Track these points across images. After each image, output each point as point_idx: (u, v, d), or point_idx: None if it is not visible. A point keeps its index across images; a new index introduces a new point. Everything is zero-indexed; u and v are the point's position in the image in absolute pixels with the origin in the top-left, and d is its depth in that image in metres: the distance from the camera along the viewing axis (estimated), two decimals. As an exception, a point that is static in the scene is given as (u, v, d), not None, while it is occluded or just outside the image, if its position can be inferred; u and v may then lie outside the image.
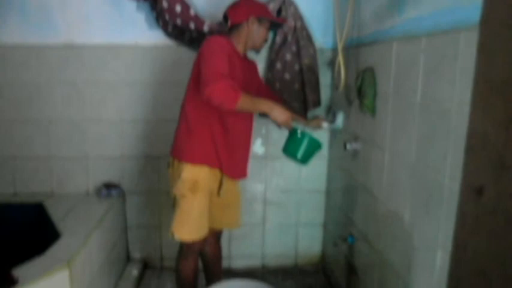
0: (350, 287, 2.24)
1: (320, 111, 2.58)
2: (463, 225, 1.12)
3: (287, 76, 2.46)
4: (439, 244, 1.31)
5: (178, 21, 2.32)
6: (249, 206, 2.73)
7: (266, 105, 1.83)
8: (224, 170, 1.96)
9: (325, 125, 2.29)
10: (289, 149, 1.98)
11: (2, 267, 1.64)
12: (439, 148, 1.31)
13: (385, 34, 1.74)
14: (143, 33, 2.47)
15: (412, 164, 1.50)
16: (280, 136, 2.65)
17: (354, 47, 2.11)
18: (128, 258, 2.77)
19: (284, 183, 2.75)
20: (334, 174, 2.61)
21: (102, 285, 2.22)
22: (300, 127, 1.98)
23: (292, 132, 1.96)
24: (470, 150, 1.07)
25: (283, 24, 2.27)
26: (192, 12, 2.32)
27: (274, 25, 2.09)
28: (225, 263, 2.57)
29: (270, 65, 2.47)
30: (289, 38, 2.41)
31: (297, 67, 2.45)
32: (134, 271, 2.64)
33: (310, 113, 2.51)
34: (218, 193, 2.01)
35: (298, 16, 2.40)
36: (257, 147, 2.68)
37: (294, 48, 2.43)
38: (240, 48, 1.98)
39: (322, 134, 2.66)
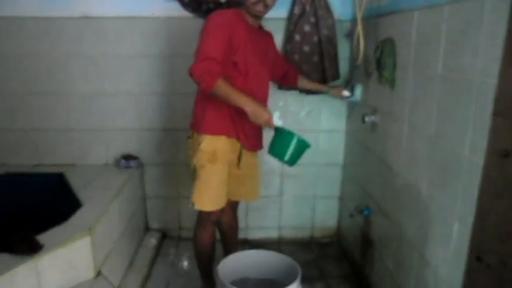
0: (366, 258, 2.26)
1: (338, 83, 2.54)
2: (487, 190, 1.11)
3: (306, 48, 2.42)
4: (456, 216, 1.31)
5: (195, -8, 2.29)
6: (267, 178, 2.74)
7: (242, 101, 1.74)
8: (242, 141, 1.98)
9: (346, 93, 2.29)
10: (276, 150, 1.87)
11: (26, 234, 1.70)
12: (459, 120, 1.28)
13: (405, 3, 1.69)
14: (160, 5, 2.45)
15: (431, 136, 1.48)
16: (298, 108, 2.64)
17: (373, 18, 2.06)
18: (147, 228, 2.84)
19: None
20: (352, 147, 2.59)
21: (122, 252, 2.29)
22: (284, 128, 1.87)
23: (278, 133, 1.86)
24: (498, 113, 1.05)
25: None
26: (209, -18, 2.29)
27: None
28: (242, 234, 2.61)
29: (289, 36, 2.43)
30: (308, 8, 2.36)
31: (315, 38, 2.41)
32: (153, 240, 2.71)
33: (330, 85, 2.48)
34: (238, 165, 2.03)
35: (316, -14, 2.34)
36: (275, 120, 2.67)
37: (312, 19, 2.38)
38: (249, 19, 1.92)
39: (340, 107, 2.64)
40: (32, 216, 2.40)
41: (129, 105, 2.62)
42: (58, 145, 2.68)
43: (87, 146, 2.69)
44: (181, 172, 2.69)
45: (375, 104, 2.09)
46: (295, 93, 2.54)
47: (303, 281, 1.75)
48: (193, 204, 1.94)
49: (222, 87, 1.71)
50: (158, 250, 2.71)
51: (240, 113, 1.89)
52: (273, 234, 2.90)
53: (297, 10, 2.38)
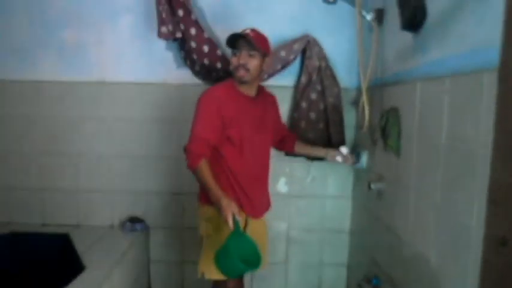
0: (375, 332, 2.16)
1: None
2: (487, 278, 1.09)
3: (312, 115, 2.48)
4: (467, 289, 1.27)
5: (206, 61, 2.40)
6: (272, 245, 2.69)
7: (214, 194, 1.75)
8: (246, 210, 1.98)
9: (338, 158, 2.27)
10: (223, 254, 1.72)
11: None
12: (465, 190, 1.28)
13: (408, 74, 1.75)
14: (171, 72, 2.57)
15: (438, 205, 1.47)
16: (304, 174, 2.66)
17: (378, 87, 2.13)
18: (149, 294, 2.77)
19: (307, 222, 2.72)
20: (359, 214, 2.57)
21: (123, 320, 2.21)
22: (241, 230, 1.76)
23: (232, 235, 1.71)
24: (493, 201, 1.06)
25: (238, 41, 1.90)
26: (219, 52, 2.41)
27: (233, 45, 1.91)
28: (246, 303, 2.53)
29: (296, 104, 2.50)
30: (314, 77, 2.45)
31: (321, 106, 2.48)
32: (155, 307, 2.63)
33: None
34: (244, 230, 2.01)
35: (322, 56, 2.45)
36: (281, 185, 2.68)
37: (318, 87, 2.47)
38: (241, 87, 1.97)
39: (346, 174, 2.65)
40: (35, 276, 2.37)
41: (137, 167, 2.65)
42: (65, 205, 2.69)
43: (93, 207, 2.70)
44: (186, 236, 2.67)
45: (380, 171, 2.10)
46: (301, 159, 2.57)
47: None
48: (203, 274, 1.92)
49: (201, 172, 1.79)
50: (159, 318, 2.61)
51: (241, 182, 1.92)
52: (278, 303, 2.80)
53: (303, 79, 2.47)
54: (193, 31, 2.36)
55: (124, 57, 2.57)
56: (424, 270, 1.56)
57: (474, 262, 1.23)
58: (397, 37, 1.85)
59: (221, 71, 2.42)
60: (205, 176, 1.79)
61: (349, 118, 2.55)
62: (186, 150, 1.84)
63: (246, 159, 1.95)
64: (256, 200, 2.04)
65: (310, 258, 2.76)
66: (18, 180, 2.68)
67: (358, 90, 2.45)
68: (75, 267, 2.08)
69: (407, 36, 1.72)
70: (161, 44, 2.53)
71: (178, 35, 2.40)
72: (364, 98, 2.09)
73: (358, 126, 2.46)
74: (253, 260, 1.72)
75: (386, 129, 1.95)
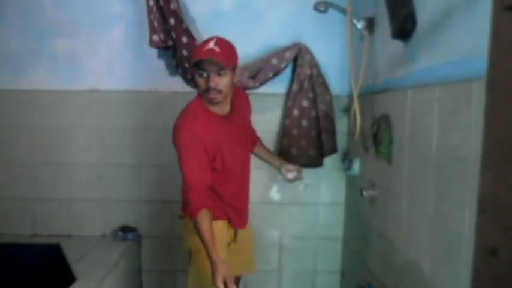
0: None
1: (336, 157, 2.59)
2: (479, 287, 1.09)
3: (304, 123, 2.49)
4: (460, 297, 1.27)
5: (198, 69, 2.40)
6: (265, 253, 2.69)
7: (209, 251, 1.75)
8: (234, 224, 1.99)
9: (290, 176, 2.17)
10: None
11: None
12: (456, 197, 1.29)
13: (399, 82, 1.77)
14: (163, 80, 2.57)
15: (430, 212, 1.48)
16: (297, 183, 2.65)
17: (369, 94, 2.14)
18: (142, 304, 2.74)
19: (300, 230, 2.72)
20: (351, 221, 2.57)
21: (114, 331, 2.19)
22: None
23: None
24: (482, 211, 1.06)
25: (204, 64, 1.72)
26: (211, 60, 2.41)
27: (200, 67, 1.73)
28: (239, 311, 2.51)
29: (288, 111, 2.51)
30: (306, 85, 2.46)
31: (313, 114, 2.48)
32: (147, 317, 2.60)
33: (326, 160, 2.53)
34: (235, 240, 2.01)
35: (314, 64, 2.46)
36: (273, 193, 2.68)
37: (310, 95, 2.48)
38: (215, 107, 1.85)
39: (339, 181, 2.66)
40: (27, 287, 2.34)
41: (129, 176, 2.64)
42: (56, 215, 2.67)
43: (85, 217, 2.68)
44: (177, 245, 2.64)
45: (373, 178, 2.10)
46: (294, 166, 2.57)
47: None
48: None
49: (201, 226, 1.74)
50: (152, 328, 2.59)
51: (229, 201, 1.92)
52: (272, 311, 2.79)
53: (295, 86, 2.48)
54: (185, 39, 2.36)
55: (116, 66, 2.57)
56: (417, 278, 1.56)
57: (466, 270, 1.23)
58: (388, 45, 1.87)
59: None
60: (204, 230, 1.75)
61: (341, 125, 2.56)
62: (185, 198, 1.81)
63: (231, 180, 1.94)
64: (243, 210, 2.05)
65: (303, 266, 2.75)
66: (9, 190, 2.66)
67: (350, 97, 2.46)
68: (66, 277, 2.06)
69: (398, 44, 1.73)
70: (153, 52, 2.53)
71: (170, 43, 2.41)
72: (356, 105, 2.10)
73: (350, 134, 2.47)
74: None
75: (377, 136, 1.96)
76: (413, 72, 1.62)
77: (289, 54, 2.44)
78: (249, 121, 2.14)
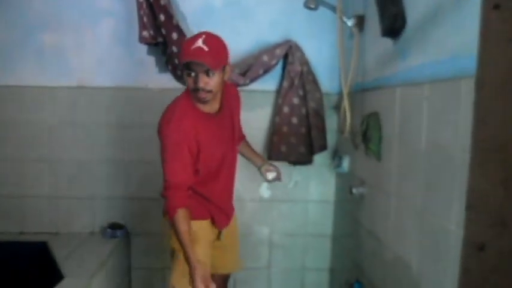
0: (357, 336, 2.17)
1: (326, 155, 2.60)
2: (466, 283, 1.10)
3: (294, 120, 2.49)
4: (447, 293, 1.28)
5: (188, 66, 2.39)
6: (254, 250, 2.69)
7: (187, 253, 1.73)
8: (217, 224, 1.96)
9: (269, 176, 2.13)
10: None
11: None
12: (444, 194, 1.30)
13: (388, 80, 1.78)
14: (153, 76, 2.55)
15: (418, 209, 1.49)
16: (286, 179, 2.66)
17: (359, 92, 2.15)
18: (130, 301, 2.72)
19: (290, 227, 2.73)
20: (341, 218, 2.58)
21: (103, 329, 2.17)
22: None
23: None
24: (471, 207, 1.07)
25: (192, 64, 1.65)
26: (201, 57, 2.39)
27: (188, 67, 1.67)
28: (229, 308, 2.51)
29: (278, 109, 2.51)
30: (296, 82, 2.47)
31: (303, 111, 2.49)
32: (136, 315, 2.59)
33: (316, 157, 2.54)
34: (219, 237, 2.01)
35: (304, 61, 2.46)
36: (263, 190, 2.68)
37: (300, 92, 2.48)
38: (203, 106, 1.79)
39: (328, 178, 2.67)
40: (14, 285, 2.31)
41: (117, 173, 2.62)
42: (44, 212, 2.64)
43: (73, 214, 2.65)
44: (166, 240, 2.63)
45: (362, 176, 2.11)
46: (284, 164, 2.57)
47: None
48: (173, 287, 1.88)
49: (178, 226, 1.71)
50: (141, 325, 2.58)
51: (214, 200, 1.90)
52: (261, 308, 2.80)
53: (286, 84, 2.48)
54: (174, 36, 2.35)
55: (104, 62, 2.54)
56: (405, 275, 1.58)
57: (453, 266, 1.24)
58: (378, 43, 1.88)
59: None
60: (182, 231, 1.71)
61: (331, 123, 2.57)
62: (163, 196, 1.77)
63: (216, 179, 1.90)
64: (227, 209, 2.02)
65: (292, 263, 2.76)
66: (-5, 186, 2.61)
67: (340, 95, 2.47)
68: (54, 276, 2.03)
69: (388, 42, 1.74)
70: (142, 48, 2.51)
71: (160, 39, 2.39)
72: (346, 103, 2.11)
73: (340, 131, 2.48)
74: None
75: (367, 133, 1.97)
76: (402, 70, 1.63)
77: (279, 51, 2.44)
78: (238, 119, 2.07)
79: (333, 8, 2.05)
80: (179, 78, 2.48)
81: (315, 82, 2.50)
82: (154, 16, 2.36)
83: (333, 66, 2.54)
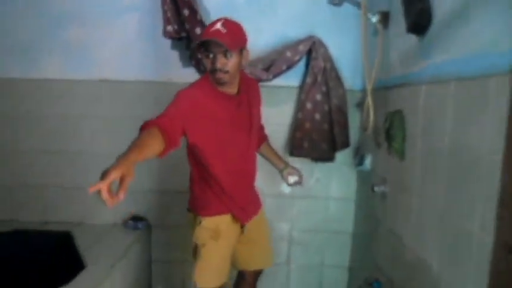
0: (376, 336, 2.15)
1: (348, 152, 2.57)
2: (495, 285, 1.07)
3: (317, 116, 2.47)
4: (469, 296, 1.25)
5: (211, 61, 2.39)
6: (274, 246, 2.67)
7: (123, 154, 1.48)
8: (238, 217, 1.94)
9: (291, 180, 2.13)
10: None
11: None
12: (468, 196, 1.27)
13: (413, 77, 1.74)
14: (177, 71, 2.56)
15: (441, 210, 1.46)
16: (308, 175, 2.64)
17: (382, 89, 2.12)
18: (151, 292, 2.77)
19: (310, 224, 2.71)
20: (362, 216, 2.56)
21: (123, 318, 2.22)
22: None
23: None
24: (503, 206, 1.03)
25: (211, 43, 1.66)
26: (224, 52, 2.40)
27: (206, 48, 1.68)
28: (247, 303, 2.52)
29: (301, 105, 2.49)
30: (319, 78, 2.44)
31: (326, 107, 2.47)
32: (156, 306, 2.63)
33: (338, 154, 2.51)
34: (242, 231, 2.00)
35: (328, 57, 2.44)
36: (284, 186, 2.67)
37: (323, 88, 2.46)
38: (222, 87, 1.79)
39: (350, 176, 2.64)
40: (36, 274, 2.37)
41: (140, 166, 2.61)
42: (67, 203, 2.70)
43: (96, 205, 2.70)
44: (187, 236, 2.66)
45: (384, 174, 2.08)
46: (305, 160, 2.56)
47: None
48: (195, 283, 1.90)
49: (139, 135, 1.56)
50: (160, 316, 2.62)
51: (226, 189, 1.87)
52: (279, 304, 2.80)
53: (309, 80, 2.46)
54: (198, 31, 2.35)
55: (129, 56, 2.57)
56: (426, 276, 1.55)
57: (476, 269, 1.22)
58: (402, 40, 1.84)
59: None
60: (141, 137, 1.54)
61: (355, 119, 2.54)
62: (150, 120, 1.60)
63: (231, 166, 1.87)
64: (247, 205, 1.99)
65: (312, 260, 2.75)
66: (21, 177, 2.69)
67: (363, 92, 2.43)
68: (76, 265, 2.08)
69: (413, 39, 1.70)
70: (166, 43, 2.53)
71: (183, 34, 2.41)
72: (369, 100, 2.08)
73: (362, 129, 2.44)
74: None
75: (390, 131, 1.93)
76: (427, 68, 1.60)
77: (303, 47, 2.42)
78: (258, 112, 2.04)
79: (357, 4, 2.02)
80: (203, 72, 2.49)
81: (338, 78, 2.47)
82: (178, 11, 2.37)
83: (357, 63, 2.50)
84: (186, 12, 2.34)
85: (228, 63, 1.68)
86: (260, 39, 2.49)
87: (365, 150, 2.42)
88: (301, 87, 2.54)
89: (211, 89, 1.77)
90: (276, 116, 2.56)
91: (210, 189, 1.88)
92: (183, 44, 2.51)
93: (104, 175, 1.29)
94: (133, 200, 2.68)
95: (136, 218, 2.64)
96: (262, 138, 2.20)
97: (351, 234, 2.72)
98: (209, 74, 1.74)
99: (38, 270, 2.41)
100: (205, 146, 1.77)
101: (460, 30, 1.36)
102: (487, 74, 1.19)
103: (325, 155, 2.51)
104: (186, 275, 2.73)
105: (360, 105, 2.52)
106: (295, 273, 2.77)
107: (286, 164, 2.18)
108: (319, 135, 2.48)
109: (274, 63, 2.42)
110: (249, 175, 2.02)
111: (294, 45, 2.43)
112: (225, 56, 1.67)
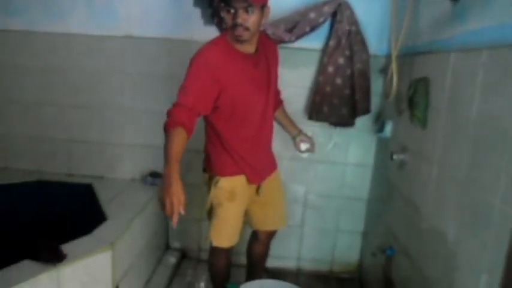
0: (385, 299, 2.20)
1: (368, 118, 2.54)
2: None
3: (338, 80, 2.43)
4: (485, 267, 1.26)
5: (234, 20, 2.35)
6: (289, 208, 2.71)
7: (168, 168, 1.63)
8: (250, 178, 1.94)
9: (303, 147, 2.12)
10: None
11: (52, 243, 1.74)
12: (492, 168, 1.25)
13: (443, 44, 1.69)
14: (198, 29, 2.53)
15: (461, 181, 1.45)
16: (326, 140, 2.63)
17: (408, 55, 2.06)
18: (167, 247, 2.86)
19: (326, 188, 2.73)
20: (378, 183, 2.56)
21: (141, 269, 2.31)
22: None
23: None
24: None
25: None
26: (248, 11, 2.35)
27: (228, 3, 1.65)
28: (260, 262, 2.59)
29: (322, 68, 2.45)
30: (343, 42, 2.38)
31: (348, 72, 2.42)
32: (172, 259, 2.72)
33: (358, 120, 2.49)
34: (257, 192, 2.02)
35: (353, 20, 2.36)
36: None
37: (347, 52, 2.40)
38: (238, 45, 1.77)
39: (369, 142, 2.62)
40: (59, 224, 2.47)
41: (161, 123, 2.66)
42: (89, 157, 2.77)
43: (117, 160, 2.76)
44: (205, 194, 2.71)
45: (404, 142, 2.06)
46: (324, 124, 2.54)
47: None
48: (211, 241, 1.96)
49: (170, 139, 1.64)
50: (177, 270, 2.71)
51: (241, 152, 1.88)
52: (291, 264, 2.87)
53: (332, 43, 2.40)
54: (222, -12, 2.30)
55: (152, 12, 2.55)
56: (441, 245, 1.56)
57: (493, 241, 1.22)
58: (434, 4, 1.77)
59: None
60: (169, 147, 1.63)
61: (377, 85, 2.49)
62: (169, 111, 1.72)
63: (246, 126, 1.86)
64: (260, 166, 1.98)
65: (326, 224, 2.79)
66: (46, 130, 2.76)
67: (388, 57, 2.37)
68: (97, 217, 2.15)
69: (446, 3, 1.63)
70: (189, 0, 2.48)
71: (207, -9, 2.36)
72: (394, 66, 2.03)
73: (385, 95, 2.40)
74: None
75: (414, 99, 1.90)
76: (459, 34, 1.54)
77: (328, 9, 2.35)
78: (276, 74, 2.00)
79: (389, -36, 1.94)
80: (224, 31, 2.45)
81: (362, 43, 2.40)
82: (202, -34, 2.31)
83: (383, 27, 2.43)
84: (210, -32, 2.28)
85: (249, 19, 1.65)
86: (284, -1, 2.42)
87: (386, 117, 2.39)
88: (323, 50, 2.49)
89: (228, 47, 1.76)
90: (297, 78, 2.53)
91: (225, 150, 1.89)
92: (205, 1, 2.46)
93: (173, 199, 1.62)
94: (153, 156, 2.73)
95: (155, 175, 2.69)
96: (278, 102, 2.17)
97: (366, 200, 2.73)
98: (229, 31, 1.72)
99: (62, 219, 2.50)
100: (223, 108, 1.78)
101: (497, -5, 1.29)
102: (522, 43, 1.14)
103: (344, 120, 2.49)
104: (202, 232, 2.81)
105: (384, 71, 2.47)
106: (308, 236, 2.81)
107: (300, 131, 2.16)
108: (339, 100, 2.45)
109: (297, 24, 2.36)
110: (265, 137, 2.01)
111: (318, 7, 2.36)
112: (247, 11, 1.64)
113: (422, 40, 1.93)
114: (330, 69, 2.43)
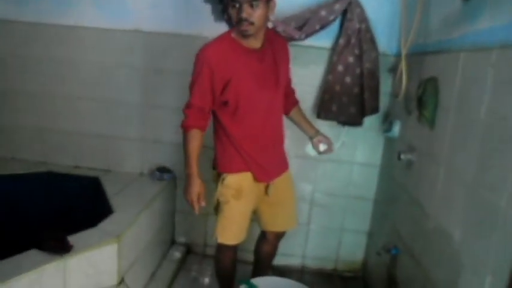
0: (389, 299, 2.19)
1: (376, 118, 2.53)
2: None
3: (348, 79, 2.42)
4: (489, 269, 1.25)
5: (244, 16, 2.35)
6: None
7: (189, 169, 1.82)
8: (257, 176, 1.93)
9: (321, 147, 2.09)
10: None
11: (59, 234, 1.76)
12: (499, 170, 1.24)
13: (453, 43, 1.67)
14: (208, 25, 2.53)
15: (468, 182, 1.44)
16: (334, 139, 2.61)
17: (418, 55, 2.05)
18: (173, 241, 2.87)
19: (333, 187, 2.72)
20: (385, 183, 2.55)
21: (146, 263, 2.32)
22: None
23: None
24: None
25: None
26: (258, 7, 2.34)
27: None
28: (265, 258, 2.59)
29: (332, 66, 2.44)
30: (353, 40, 2.37)
31: (358, 71, 2.41)
32: (177, 254, 2.74)
33: (366, 120, 2.48)
34: (266, 192, 2.01)
35: (363, 18, 2.35)
36: (309, 149, 2.66)
37: (356, 51, 2.39)
38: (244, 41, 1.78)
39: (377, 142, 2.61)
40: (66, 215, 2.49)
41: (169, 118, 2.68)
42: (97, 150, 2.79)
43: (125, 154, 2.78)
44: (211, 190, 2.71)
45: (412, 142, 2.05)
46: (332, 123, 2.54)
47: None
48: (216, 238, 1.96)
49: (190, 140, 1.80)
50: (182, 264, 2.73)
51: (248, 149, 1.88)
52: (296, 262, 2.87)
53: (342, 41, 2.39)
54: (232, -16, 2.30)
55: (161, 7, 2.55)
56: (446, 245, 1.55)
57: (499, 243, 1.21)
58: (445, 2, 1.76)
59: (258, 27, 2.37)
60: (188, 148, 1.80)
61: (386, 85, 2.48)
62: (184, 113, 1.81)
63: (251, 123, 1.86)
64: (267, 165, 1.95)
65: (331, 223, 2.78)
66: (54, 122, 2.79)
67: (397, 57, 2.36)
68: (104, 210, 2.17)
69: (457, 1, 1.62)
70: (200, -4, 2.49)
71: (217, -13, 2.36)
72: (403, 65, 2.02)
73: (394, 95, 2.39)
74: None
75: (422, 99, 1.89)
76: (470, 33, 1.53)
77: (339, 7, 2.34)
78: (287, 70, 2.00)
79: (401, -38, 1.92)
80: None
81: (372, 41, 2.39)
82: (213, -38, 2.31)
83: (393, 25, 2.41)
84: (221, -36, 2.28)
85: (254, 13, 1.66)
86: (294, -4, 2.42)
87: (394, 116, 2.37)
88: (333, 49, 2.48)
89: (232, 42, 1.78)
90: (306, 77, 2.53)
91: (231, 145, 1.88)
92: (216, -3, 2.47)
93: (193, 197, 1.83)
94: (161, 151, 2.74)
95: (162, 169, 2.70)
96: (294, 102, 2.15)
97: (372, 200, 2.72)
98: (235, 26, 1.74)
99: (68, 210, 2.53)
100: (228, 102, 1.80)
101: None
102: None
103: (353, 119, 2.48)
104: (207, 227, 2.82)
105: (393, 70, 2.45)
106: (314, 234, 2.81)
107: (317, 131, 2.12)
108: (348, 99, 2.44)
109: (308, 22, 2.35)
110: (271, 134, 1.97)
111: (329, 4, 2.35)
112: (251, 6, 1.65)
113: (432, 39, 1.91)
114: (340, 67, 2.42)
